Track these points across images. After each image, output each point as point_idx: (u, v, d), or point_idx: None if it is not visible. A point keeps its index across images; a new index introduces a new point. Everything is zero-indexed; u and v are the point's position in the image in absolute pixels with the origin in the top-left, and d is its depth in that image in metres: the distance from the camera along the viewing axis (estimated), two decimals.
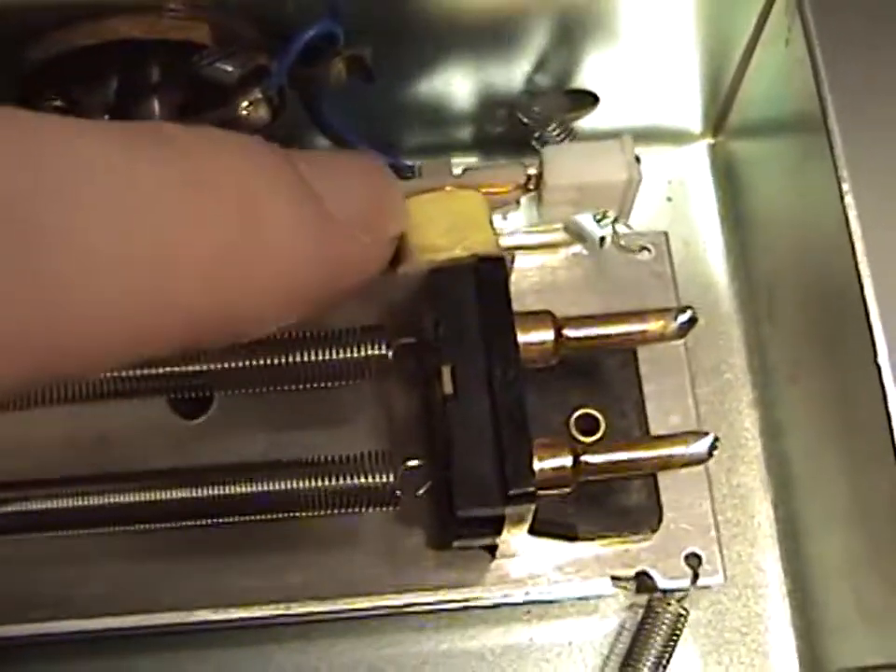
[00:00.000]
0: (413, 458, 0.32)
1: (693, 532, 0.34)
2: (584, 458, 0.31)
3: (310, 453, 0.32)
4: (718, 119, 0.41)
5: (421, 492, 0.32)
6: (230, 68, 0.32)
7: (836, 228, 0.32)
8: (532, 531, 0.32)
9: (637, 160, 0.34)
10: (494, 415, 0.29)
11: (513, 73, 0.37)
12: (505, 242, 0.33)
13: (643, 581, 0.34)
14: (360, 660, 0.36)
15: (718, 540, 0.34)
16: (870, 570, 0.33)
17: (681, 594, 0.34)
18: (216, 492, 0.31)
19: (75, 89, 0.33)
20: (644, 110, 0.40)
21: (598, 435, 0.34)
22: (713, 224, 0.41)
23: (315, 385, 0.32)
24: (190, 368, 0.31)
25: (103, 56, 0.31)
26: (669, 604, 0.35)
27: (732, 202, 0.41)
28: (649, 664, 0.35)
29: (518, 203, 0.34)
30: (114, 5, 0.31)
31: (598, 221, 0.35)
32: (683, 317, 0.32)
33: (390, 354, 0.31)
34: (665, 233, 0.37)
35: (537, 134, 0.38)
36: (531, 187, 0.34)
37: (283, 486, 0.31)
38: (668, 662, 0.35)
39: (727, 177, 0.41)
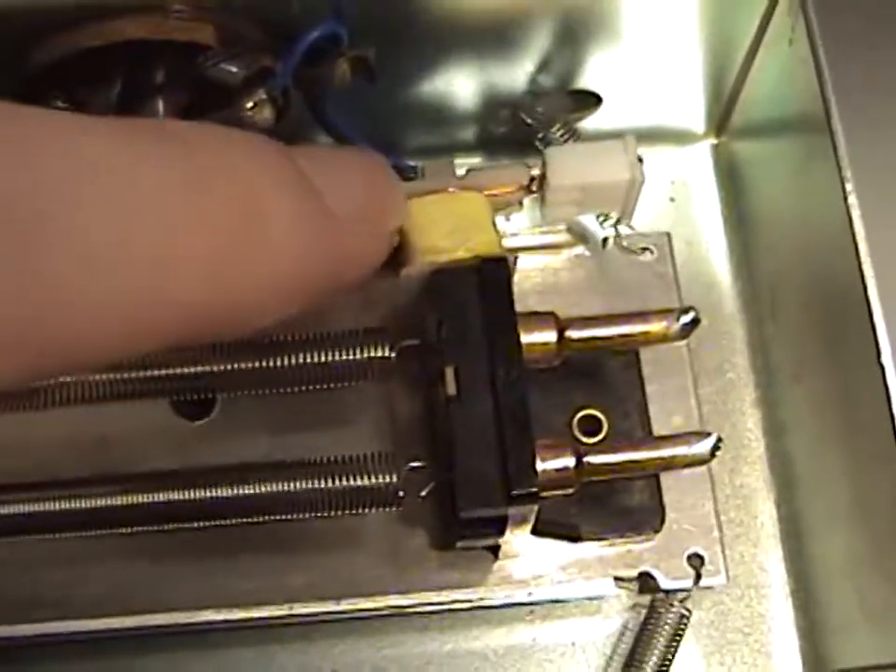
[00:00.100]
0: (416, 459, 0.32)
1: (696, 532, 0.34)
2: (587, 459, 0.31)
3: (313, 454, 0.32)
4: (721, 119, 0.41)
5: (424, 493, 0.32)
6: (234, 69, 0.32)
7: (840, 228, 0.32)
8: (535, 532, 0.32)
9: (640, 160, 0.34)
10: (497, 416, 0.29)
11: (516, 73, 0.37)
12: (508, 243, 0.33)
13: (646, 582, 0.34)
14: (363, 660, 0.36)
15: (720, 541, 0.34)
16: (873, 570, 0.33)
17: (684, 594, 0.34)
18: (218, 493, 0.31)
19: (80, 90, 0.33)
20: (647, 111, 0.40)
21: (601, 436, 0.34)
22: (716, 224, 0.41)
23: (318, 387, 0.32)
24: (193, 369, 0.31)
25: (108, 57, 0.32)
26: (672, 604, 0.35)
27: (735, 202, 0.41)
28: (651, 664, 0.35)
29: (521, 203, 0.34)
30: (119, 6, 0.31)
31: (601, 222, 0.35)
32: (686, 318, 0.32)
33: (393, 356, 0.31)
34: (668, 234, 0.37)
35: (540, 135, 0.38)
36: (534, 187, 0.34)
37: (286, 488, 0.31)
38: (671, 662, 0.35)
39: (730, 178, 0.41)
